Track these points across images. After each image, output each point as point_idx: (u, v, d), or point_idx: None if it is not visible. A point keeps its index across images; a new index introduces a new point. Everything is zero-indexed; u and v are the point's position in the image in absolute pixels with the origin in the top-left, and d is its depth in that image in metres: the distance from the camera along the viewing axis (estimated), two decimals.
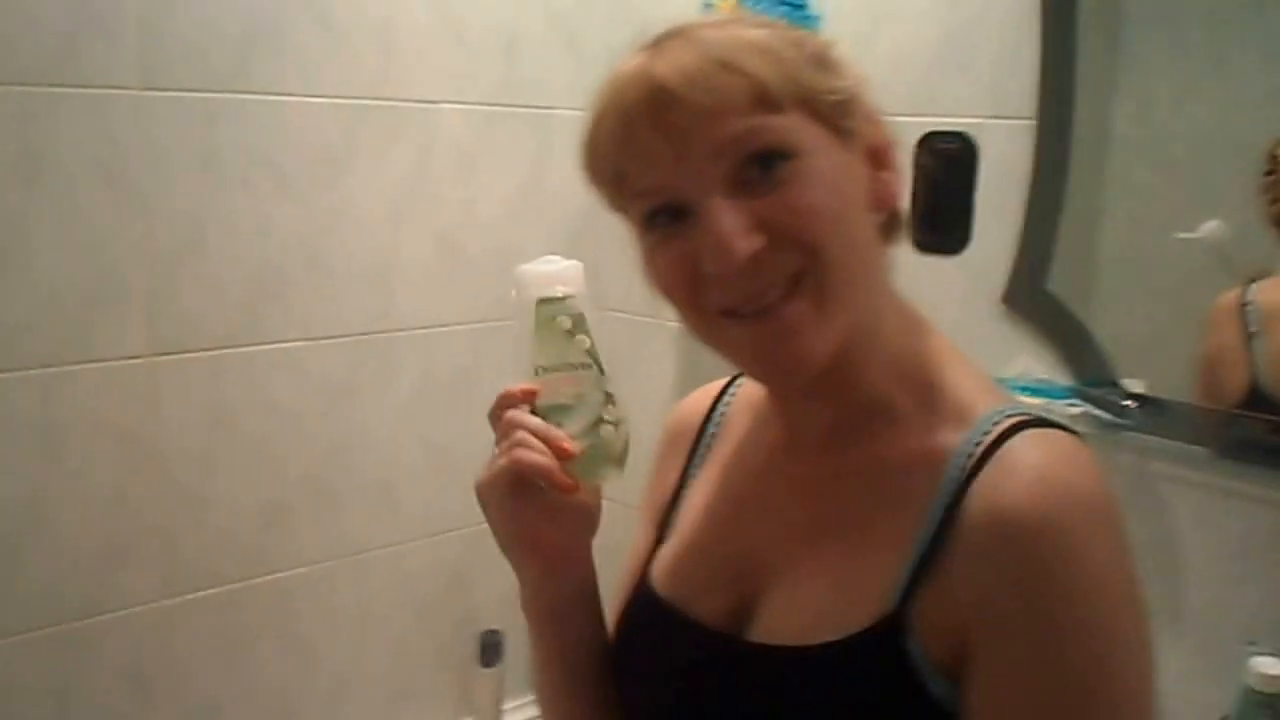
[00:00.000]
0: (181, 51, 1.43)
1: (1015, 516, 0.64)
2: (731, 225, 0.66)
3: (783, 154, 0.67)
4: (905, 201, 0.75)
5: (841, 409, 0.74)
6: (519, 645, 1.85)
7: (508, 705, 1.85)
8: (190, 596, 1.55)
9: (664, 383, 1.92)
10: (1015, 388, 1.36)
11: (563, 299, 0.80)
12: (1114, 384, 1.37)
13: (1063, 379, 1.41)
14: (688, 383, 1.85)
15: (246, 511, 1.59)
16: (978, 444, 0.67)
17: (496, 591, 1.90)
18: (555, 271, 0.81)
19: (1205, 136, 1.35)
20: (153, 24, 1.40)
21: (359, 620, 1.73)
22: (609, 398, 0.78)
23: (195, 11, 1.43)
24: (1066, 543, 0.63)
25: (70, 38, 1.34)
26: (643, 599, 0.81)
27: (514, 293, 0.80)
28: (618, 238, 2.14)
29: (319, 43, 1.54)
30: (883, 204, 0.72)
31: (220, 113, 1.47)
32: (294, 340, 1.59)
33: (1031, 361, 1.42)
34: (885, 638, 0.66)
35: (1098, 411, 1.33)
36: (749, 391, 0.86)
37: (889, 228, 0.73)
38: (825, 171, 0.68)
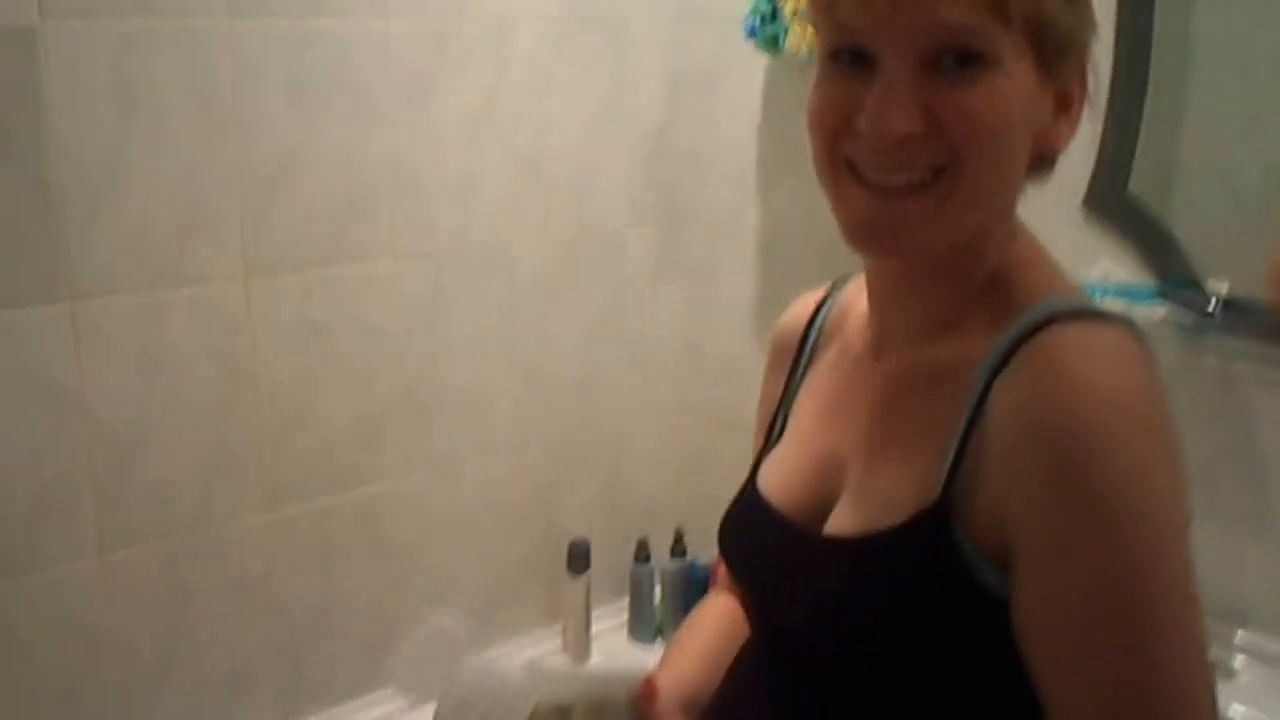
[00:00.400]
0: None
1: (1037, 414, 0.65)
2: (901, 101, 0.67)
3: (983, 60, 0.68)
4: (1065, 149, 0.75)
5: (926, 314, 0.76)
6: (605, 553, 1.93)
7: (596, 611, 1.92)
8: (291, 509, 1.63)
9: (745, 292, 1.97)
10: (1097, 291, 1.36)
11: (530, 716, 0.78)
12: (1198, 286, 1.36)
13: (1146, 282, 1.40)
14: (767, 292, 1.88)
15: (340, 427, 1.65)
16: (1014, 335, 0.68)
17: (582, 501, 1.98)
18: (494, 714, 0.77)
19: None
20: None
21: (451, 531, 1.80)
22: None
23: None
24: (1091, 444, 0.63)
25: None
26: (747, 497, 0.86)
27: None
28: (689, 151, 2.17)
29: None
30: (1047, 146, 0.73)
31: (305, 40, 1.51)
32: (382, 259, 1.64)
33: (1113, 265, 1.41)
34: (930, 526, 0.69)
35: (1182, 314, 1.32)
36: (849, 300, 0.89)
37: (1039, 165, 0.75)
38: (1011, 93, 0.69)
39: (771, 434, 0.91)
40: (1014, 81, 0.69)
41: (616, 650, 1.92)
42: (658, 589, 1.96)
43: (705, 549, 1.95)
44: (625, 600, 1.98)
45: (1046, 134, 0.73)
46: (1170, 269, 1.40)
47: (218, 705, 1.61)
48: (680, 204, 1.99)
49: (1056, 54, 0.70)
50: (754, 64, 1.81)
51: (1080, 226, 1.44)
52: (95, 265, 1.40)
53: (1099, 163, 1.42)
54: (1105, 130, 1.40)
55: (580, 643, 1.89)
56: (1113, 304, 1.36)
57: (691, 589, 1.91)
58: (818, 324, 0.91)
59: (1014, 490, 0.66)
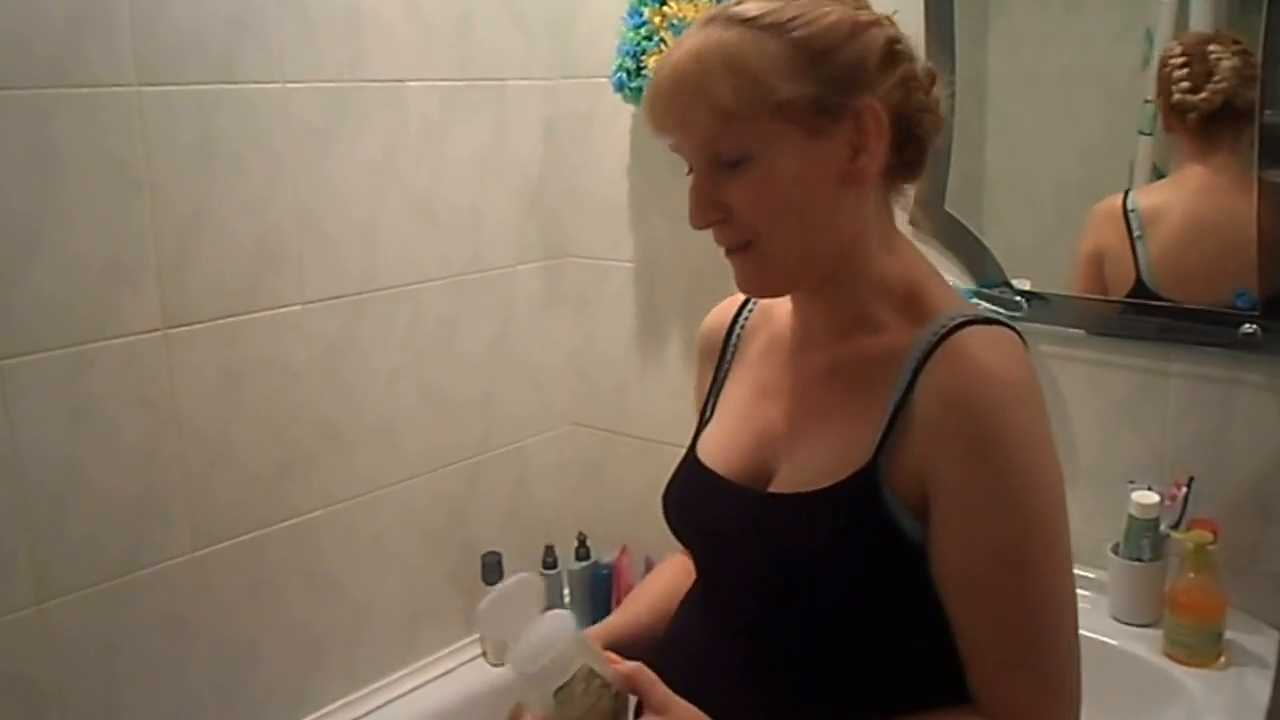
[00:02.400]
0: (172, 48, 1.53)
1: (955, 392, 0.81)
2: (697, 201, 0.88)
3: (741, 158, 0.85)
4: (875, 179, 0.88)
5: (835, 315, 0.92)
6: (516, 562, 2.04)
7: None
8: (220, 545, 1.68)
9: (625, 316, 2.13)
10: None
11: (573, 678, 0.82)
12: (1007, 284, 1.63)
13: (965, 283, 1.66)
14: (645, 314, 2.08)
15: (265, 462, 1.72)
16: (932, 335, 0.84)
17: (492, 517, 2.09)
18: (558, 660, 0.81)
19: (1063, 70, 1.58)
20: (145, 25, 1.50)
21: (374, 553, 1.90)
22: (621, 709, 0.86)
23: (181, 12, 1.54)
24: (995, 413, 0.80)
25: (72, 41, 1.43)
26: (689, 466, 1.01)
27: (518, 682, 0.83)
28: (572, 191, 2.35)
29: (296, 33, 1.68)
30: (851, 183, 0.86)
31: (212, 102, 1.59)
32: (295, 304, 1.73)
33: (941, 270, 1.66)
34: (863, 483, 0.85)
35: (994, 308, 1.57)
36: (769, 302, 1.05)
37: (893, 179, 0.91)
38: (783, 171, 0.84)
39: (703, 417, 1.06)
40: (783, 160, 0.84)
41: None
42: (566, 591, 2.11)
43: (606, 550, 2.12)
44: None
45: (850, 174, 0.86)
46: (984, 271, 1.65)
47: None
48: (562, 239, 2.16)
49: (815, 114, 0.84)
50: (622, 113, 1.99)
51: (909, 239, 1.69)
52: (18, 326, 1.43)
53: (919, 190, 1.66)
54: None
55: (499, 648, 2.02)
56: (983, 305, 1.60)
57: (597, 587, 2.08)
58: (740, 322, 1.07)
59: (935, 454, 0.83)
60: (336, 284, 1.80)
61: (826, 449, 0.90)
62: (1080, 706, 0.84)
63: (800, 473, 0.91)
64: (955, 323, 0.85)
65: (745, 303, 1.09)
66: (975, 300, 1.60)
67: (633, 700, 0.87)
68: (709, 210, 0.88)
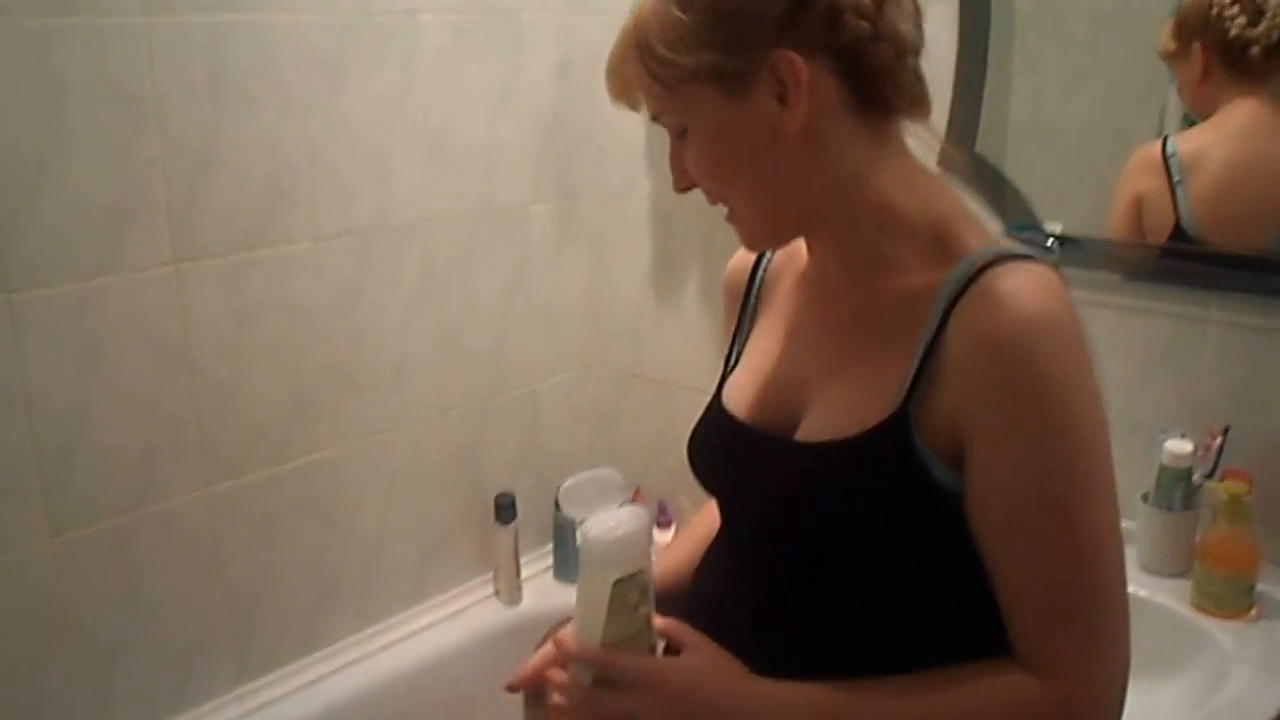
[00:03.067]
0: None
1: (988, 333, 0.78)
2: (671, 168, 0.90)
3: (680, 127, 0.87)
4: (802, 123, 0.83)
5: (848, 258, 0.90)
6: (529, 503, 2.05)
7: (524, 558, 2.05)
8: (229, 484, 1.67)
9: (641, 257, 2.10)
10: None
11: (635, 575, 0.83)
12: (1038, 227, 1.59)
13: (995, 226, 1.62)
14: (661, 255, 2.04)
15: (275, 403, 1.70)
16: (963, 275, 0.81)
17: (505, 457, 2.08)
18: (628, 541, 0.83)
19: (1094, 11, 1.55)
20: None
21: (386, 493, 1.89)
22: (655, 649, 0.87)
23: None
24: (1032, 354, 0.77)
25: None
26: (714, 413, 1.00)
27: (583, 557, 0.84)
28: (587, 128, 2.31)
29: None
30: (781, 138, 0.83)
31: (222, 32, 1.55)
32: (306, 241, 1.71)
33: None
34: (893, 430, 0.82)
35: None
36: (792, 245, 1.01)
37: (865, 107, 0.85)
38: (712, 135, 0.86)
39: (729, 363, 1.04)
40: (708, 123, 0.85)
41: (546, 591, 2.05)
42: (579, 532, 2.10)
43: None
44: (550, 546, 2.12)
45: (782, 123, 0.83)
46: (1014, 215, 1.62)
47: (176, 675, 1.65)
48: (577, 179, 2.12)
49: (732, 80, 0.83)
50: None
51: (937, 176, 1.65)
52: (30, 257, 1.41)
53: (949, 129, 1.63)
54: (953, 100, 1.61)
55: (511, 587, 2.02)
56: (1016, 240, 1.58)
57: None
58: (763, 266, 1.04)
59: (968, 395, 0.79)
60: (348, 221, 1.77)
61: (855, 395, 0.87)
62: (1129, 660, 0.81)
63: (827, 420, 0.88)
64: (987, 260, 0.81)
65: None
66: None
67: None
68: (679, 177, 0.91)
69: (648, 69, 0.84)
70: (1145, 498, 1.49)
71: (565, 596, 2.03)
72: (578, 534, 0.85)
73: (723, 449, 0.98)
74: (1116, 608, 0.81)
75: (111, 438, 1.53)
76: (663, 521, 2.06)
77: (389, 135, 1.80)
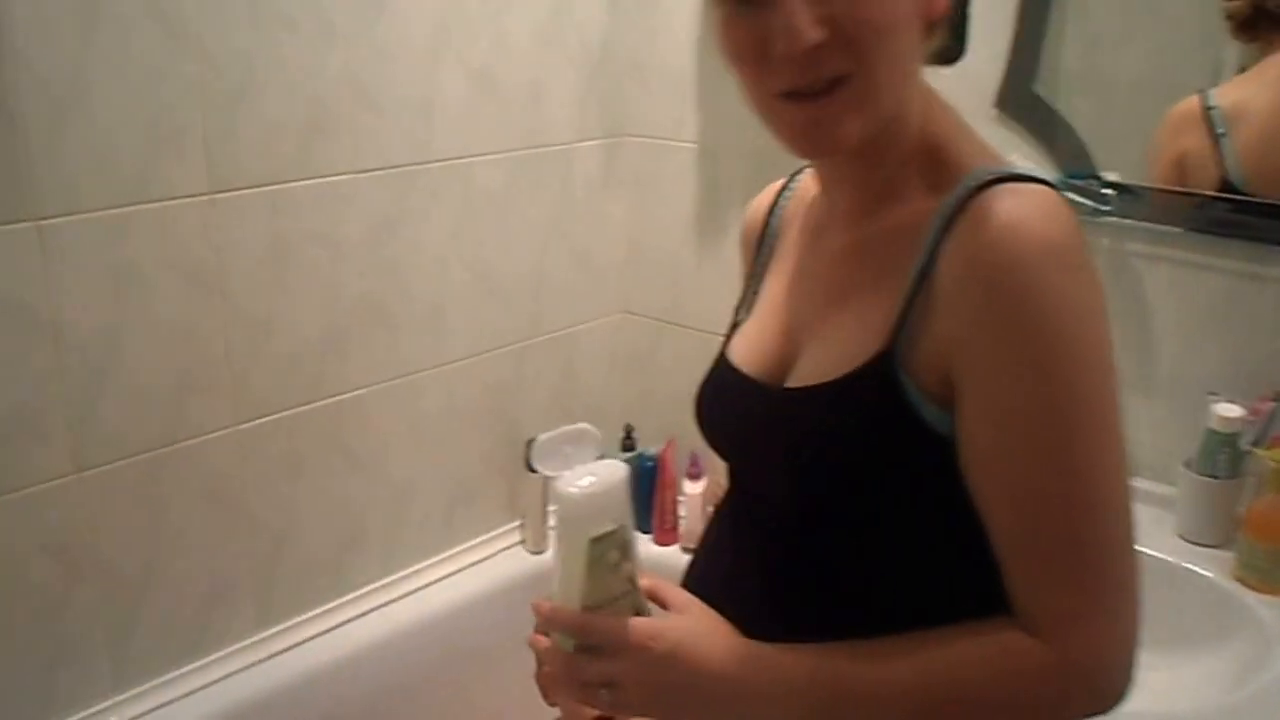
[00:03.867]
0: None
1: (980, 259, 0.72)
2: (802, 15, 0.74)
3: None
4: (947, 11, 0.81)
5: (864, 187, 0.85)
6: None
7: (552, 506, 2.04)
8: (259, 421, 1.65)
9: (685, 199, 2.05)
10: None
11: (613, 533, 0.79)
12: (1095, 176, 1.52)
13: (1051, 173, 1.56)
14: (706, 199, 2.00)
15: (307, 338, 1.68)
16: (956, 199, 0.75)
17: (537, 401, 2.06)
18: (603, 497, 0.79)
19: None
20: None
21: (416, 434, 1.87)
22: (642, 612, 0.82)
23: None
24: (1027, 279, 0.70)
25: None
26: (719, 366, 0.96)
27: (558, 514, 0.80)
28: (635, 65, 2.25)
29: None
30: (933, 14, 0.79)
31: None
32: (345, 173, 1.68)
33: (1022, 158, 1.56)
34: (879, 370, 0.77)
35: (1081, 199, 1.48)
36: (804, 187, 0.98)
37: (930, 31, 0.81)
38: None
39: (739, 311, 1.01)
40: None
41: None
42: (552, 489, 2.07)
43: (652, 442, 2.08)
44: None
45: (930, 5, 0.79)
46: (1071, 160, 1.55)
47: (199, 613, 1.64)
48: (624, 116, 2.08)
49: None
50: None
51: (994, 124, 1.59)
52: (60, 184, 1.39)
53: (1009, 68, 1.56)
54: (1014, 39, 1.55)
55: (539, 535, 2.01)
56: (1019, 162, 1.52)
57: (641, 479, 2.04)
58: (777, 210, 1.00)
59: (959, 327, 0.74)
60: (388, 154, 1.74)
61: (844, 336, 0.82)
62: (1137, 619, 0.75)
63: (816, 364, 0.84)
64: (982, 181, 0.75)
65: (781, 190, 1.02)
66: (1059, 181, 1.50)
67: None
68: (814, 25, 0.74)
69: None
70: (1188, 464, 1.43)
71: None
72: (554, 490, 0.81)
73: (722, 403, 0.94)
74: (1121, 560, 0.74)
75: (141, 370, 1.51)
76: (693, 473, 2.03)
77: (433, 67, 1.76)
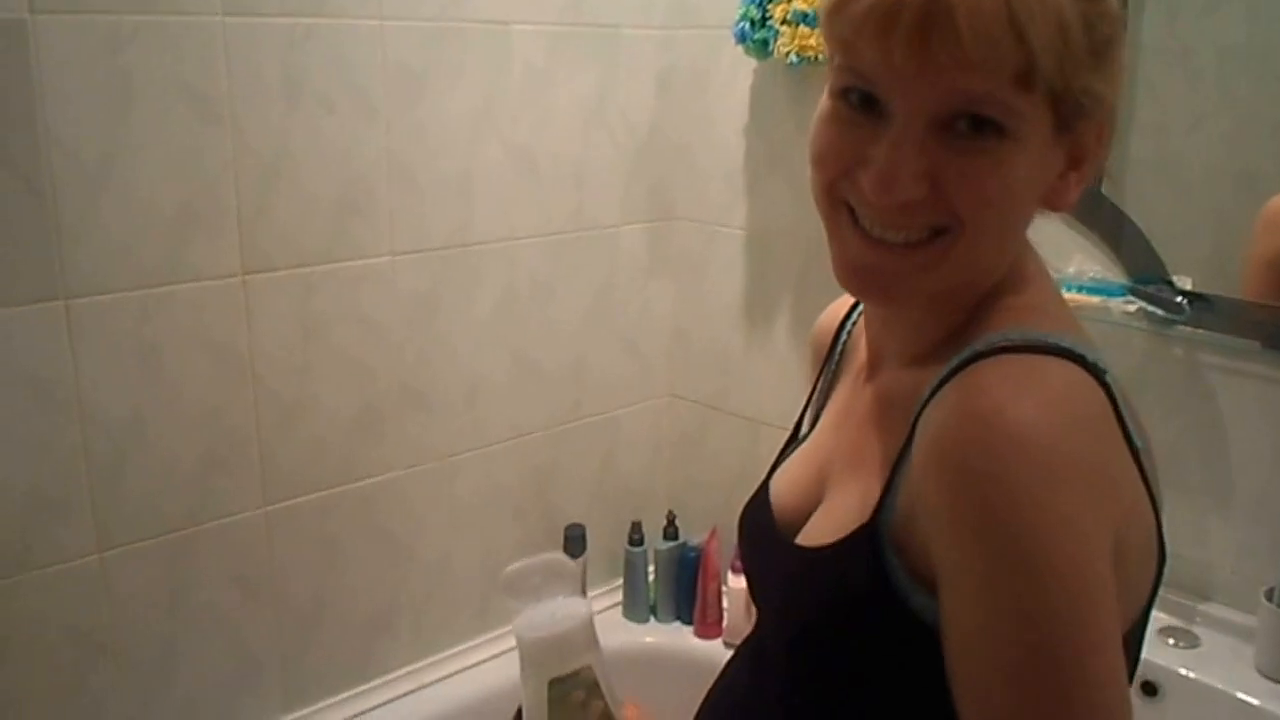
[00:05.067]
0: None
1: (943, 449, 0.62)
2: (908, 167, 0.64)
3: (999, 129, 0.64)
4: (1073, 206, 0.72)
5: (915, 339, 0.75)
6: (600, 536, 1.98)
7: (591, 592, 1.97)
8: (288, 503, 1.62)
9: (734, 285, 2.00)
10: (1071, 286, 1.43)
11: (577, 673, 0.77)
12: (1166, 281, 1.43)
13: (1119, 278, 1.47)
14: (755, 285, 1.94)
15: (339, 420, 1.66)
16: (955, 364, 0.66)
17: (578, 488, 2.01)
18: (561, 640, 0.77)
19: (1229, 47, 1.40)
20: None
21: (452, 519, 1.83)
22: None
23: None
24: (991, 486, 0.59)
25: None
26: (758, 496, 0.89)
27: (519, 655, 0.78)
28: (683, 149, 2.20)
29: None
30: (1055, 205, 0.71)
31: (301, 36, 1.51)
32: (382, 255, 1.66)
33: (1088, 261, 1.48)
34: (861, 546, 0.69)
35: (1151, 307, 1.39)
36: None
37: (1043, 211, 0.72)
38: (1022, 164, 0.65)
39: (798, 427, 0.93)
40: (1027, 150, 0.65)
41: (613, 629, 1.97)
42: (651, 569, 2.01)
43: (695, 531, 2.01)
44: (619, 581, 2.03)
45: (1055, 191, 0.69)
46: (1140, 265, 1.46)
47: (223, 698, 1.62)
48: (671, 200, 2.03)
49: (1076, 116, 0.66)
50: (743, 67, 1.84)
51: (1058, 224, 1.51)
52: (90, 262, 1.38)
53: None
54: None
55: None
56: (1085, 299, 1.43)
57: (683, 569, 1.97)
58: (846, 330, 0.91)
59: (926, 518, 0.64)
60: (427, 237, 1.71)
61: (846, 498, 0.75)
62: None
63: (821, 523, 0.78)
64: (993, 346, 0.65)
65: (854, 306, 0.92)
66: (1126, 298, 1.41)
67: None
68: (914, 182, 0.64)
69: (1058, 53, 0.62)
70: (1270, 594, 1.32)
71: (631, 636, 1.97)
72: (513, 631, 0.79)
73: (752, 537, 0.88)
74: None
75: (168, 449, 1.50)
76: (737, 566, 1.95)
77: (474, 148, 1.74)
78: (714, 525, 1.98)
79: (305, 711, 1.71)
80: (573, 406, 1.97)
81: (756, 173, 1.91)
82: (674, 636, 1.95)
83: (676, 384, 2.12)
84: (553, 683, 0.77)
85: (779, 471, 0.90)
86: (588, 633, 0.78)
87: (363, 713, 1.73)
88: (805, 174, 0.72)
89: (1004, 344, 0.65)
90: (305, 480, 1.65)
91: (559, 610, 0.78)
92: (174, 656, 1.55)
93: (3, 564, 1.39)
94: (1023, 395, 0.61)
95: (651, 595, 2.01)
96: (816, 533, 0.77)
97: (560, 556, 0.82)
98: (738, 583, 1.93)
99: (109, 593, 1.47)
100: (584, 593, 1.94)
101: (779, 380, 1.92)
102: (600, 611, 1.99)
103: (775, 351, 1.94)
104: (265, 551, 1.62)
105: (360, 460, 1.70)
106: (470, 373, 1.81)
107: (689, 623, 1.98)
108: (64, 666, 1.45)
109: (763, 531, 0.85)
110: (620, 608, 2.03)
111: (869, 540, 0.69)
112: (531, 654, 0.78)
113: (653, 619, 2.00)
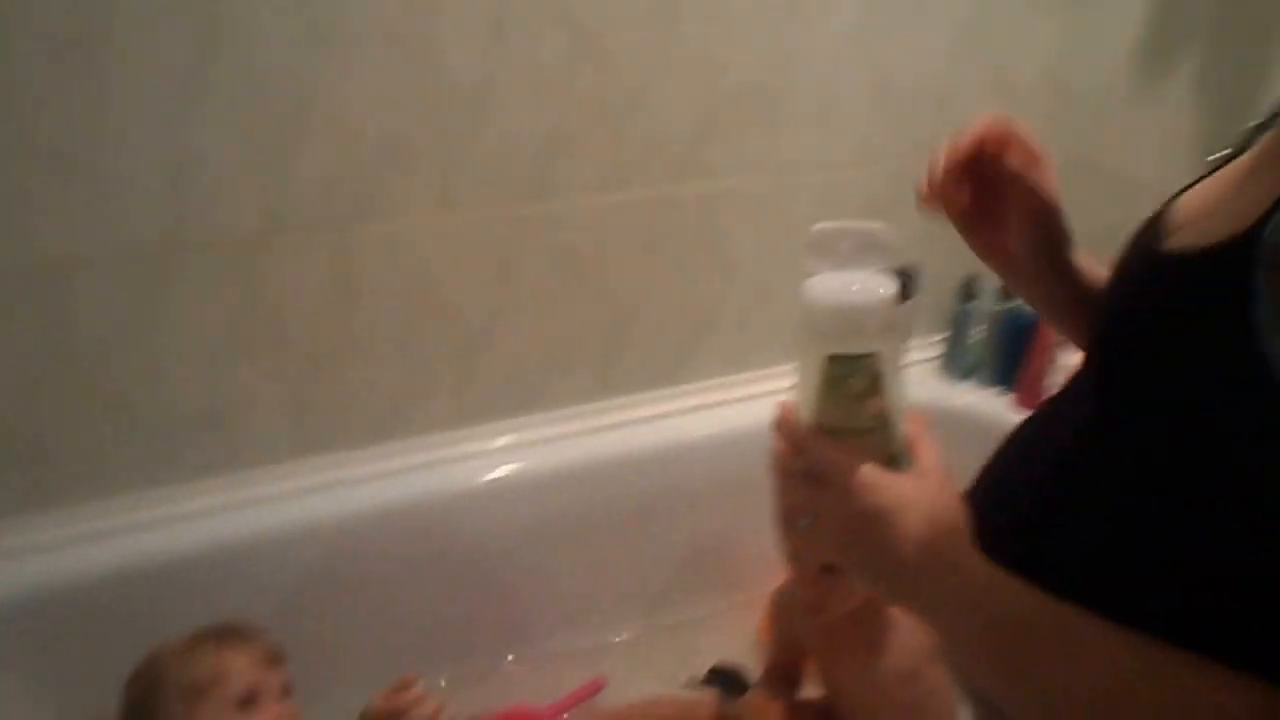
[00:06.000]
0: None
1: None
2: None
3: None
4: None
5: None
6: (931, 283, 1.84)
7: (913, 340, 1.89)
8: (623, 194, 1.61)
9: (1127, 26, 1.73)
10: None
11: (859, 358, 0.66)
12: None
13: None
14: (1152, 29, 1.65)
15: (682, 116, 1.61)
16: None
17: (915, 228, 1.88)
18: (851, 313, 0.66)
19: None
20: None
21: (781, 237, 1.77)
22: (893, 460, 0.69)
23: None
24: None
25: None
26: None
27: (800, 319, 0.68)
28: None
29: None
30: None
31: None
32: None
33: None
34: (1230, 256, 0.58)
35: None
36: None
37: None
38: None
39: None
40: None
41: (924, 382, 1.88)
42: (977, 329, 1.89)
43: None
44: (940, 337, 1.93)
45: None
46: None
47: (536, 373, 1.68)
48: None
49: None
50: None
51: None
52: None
53: None
54: None
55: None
56: None
57: (1014, 336, 1.82)
58: None
59: None
60: None
61: (1240, 203, 0.62)
62: None
63: (1200, 226, 0.65)
64: None
65: None
66: None
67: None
68: None
69: None
70: None
71: (946, 393, 1.87)
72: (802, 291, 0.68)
73: (1121, 254, 0.78)
74: None
75: (512, 122, 1.50)
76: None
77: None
78: None
79: (615, 400, 1.76)
80: (926, 141, 1.80)
81: None
82: (992, 401, 1.84)
83: (1046, 133, 1.90)
84: (832, 359, 0.67)
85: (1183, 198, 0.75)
86: (884, 315, 0.67)
87: (667, 414, 1.76)
88: None
89: None
90: (641, 174, 1.62)
91: (860, 282, 0.67)
92: (497, 323, 1.63)
93: (356, 208, 1.46)
94: None
95: (973, 356, 1.89)
96: (1194, 234, 0.65)
97: (878, 226, 0.69)
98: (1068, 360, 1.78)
99: (446, 251, 1.54)
100: (908, 335, 1.86)
101: (1165, 139, 1.69)
102: (914, 363, 1.90)
103: (1165, 106, 1.70)
104: (595, 239, 1.63)
105: (699, 162, 1.65)
106: (823, 87, 1.69)
107: (1011, 388, 1.85)
108: (400, 312, 1.55)
109: (1136, 243, 0.74)
110: (939, 362, 1.93)
111: (1241, 250, 0.57)
112: (815, 319, 0.67)
113: (970, 380, 1.89)
